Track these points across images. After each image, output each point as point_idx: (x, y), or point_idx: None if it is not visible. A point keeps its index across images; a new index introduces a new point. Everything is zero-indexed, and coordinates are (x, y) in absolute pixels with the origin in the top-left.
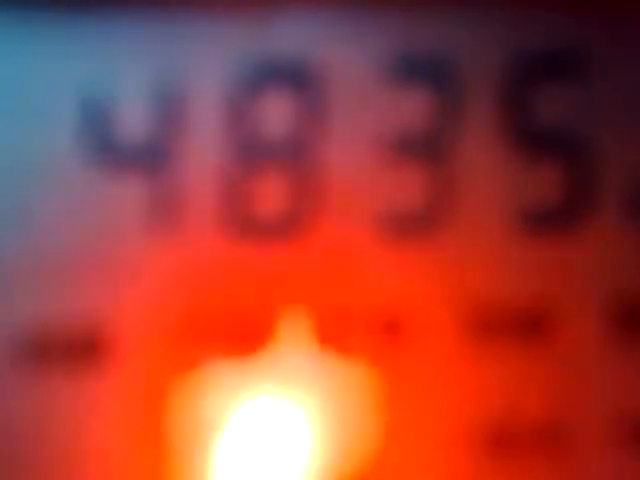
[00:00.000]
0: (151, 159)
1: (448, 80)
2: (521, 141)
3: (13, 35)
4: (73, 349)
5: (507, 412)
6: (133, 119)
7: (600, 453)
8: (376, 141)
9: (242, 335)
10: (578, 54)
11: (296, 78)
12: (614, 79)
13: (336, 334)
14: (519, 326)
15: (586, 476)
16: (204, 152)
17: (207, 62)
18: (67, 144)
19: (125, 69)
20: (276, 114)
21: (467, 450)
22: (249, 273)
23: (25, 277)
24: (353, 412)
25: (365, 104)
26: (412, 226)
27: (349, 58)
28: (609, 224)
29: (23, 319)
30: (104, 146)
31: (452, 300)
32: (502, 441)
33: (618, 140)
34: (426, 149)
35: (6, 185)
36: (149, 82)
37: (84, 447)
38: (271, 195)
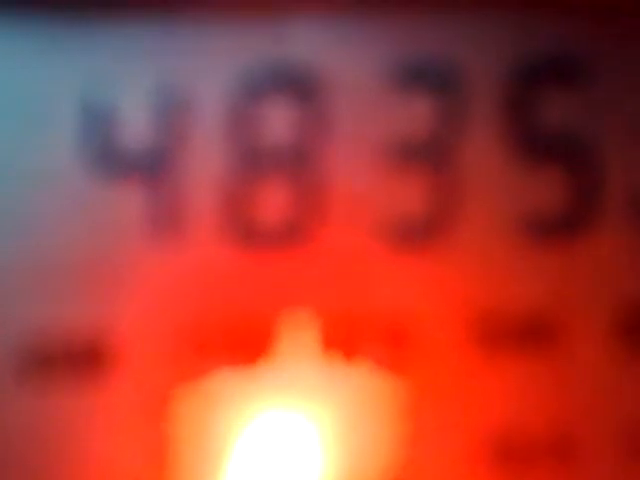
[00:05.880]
0: (153, 166)
1: (452, 87)
2: (525, 147)
3: (14, 40)
4: (75, 359)
5: (512, 421)
6: (135, 126)
7: (609, 465)
8: (380, 148)
9: (246, 344)
10: (582, 59)
11: (299, 85)
12: (618, 84)
13: (340, 342)
14: (524, 333)
15: None
16: (206, 159)
17: (210, 69)
18: (68, 151)
19: (127, 75)
20: (279, 121)
21: (473, 461)
22: (252, 281)
23: (25, 286)
24: (358, 422)
25: (369, 111)
26: (416, 233)
27: (352, 65)
28: (614, 231)
29: (24, 329)
30: (105, 153)
31: (456, 307)
32: (508, 452)
33: (623, 145)
34: (430, 156)
35: (5, 191)
36: (151, 89)
37: (87, 458)
38: (274, 203)
